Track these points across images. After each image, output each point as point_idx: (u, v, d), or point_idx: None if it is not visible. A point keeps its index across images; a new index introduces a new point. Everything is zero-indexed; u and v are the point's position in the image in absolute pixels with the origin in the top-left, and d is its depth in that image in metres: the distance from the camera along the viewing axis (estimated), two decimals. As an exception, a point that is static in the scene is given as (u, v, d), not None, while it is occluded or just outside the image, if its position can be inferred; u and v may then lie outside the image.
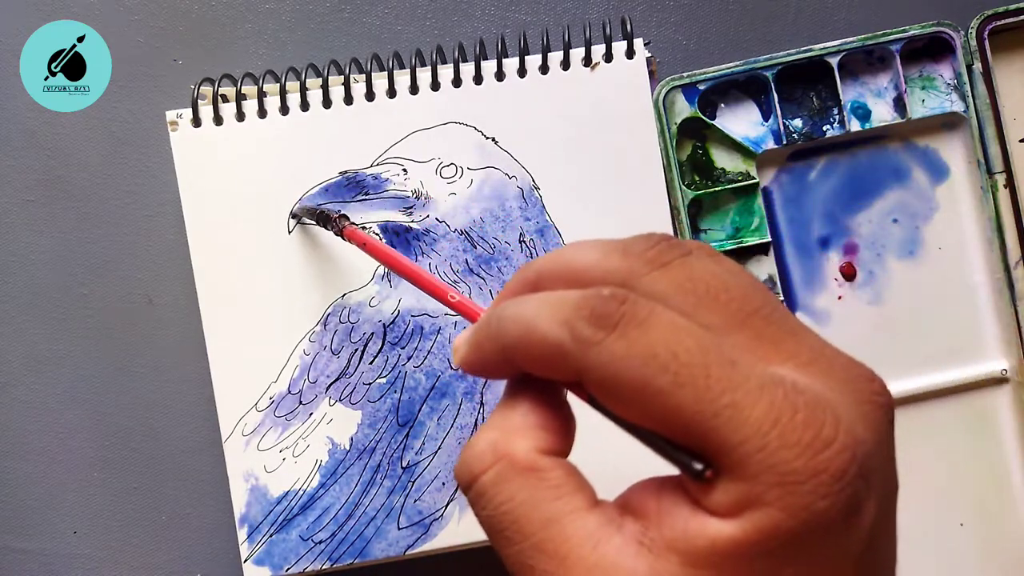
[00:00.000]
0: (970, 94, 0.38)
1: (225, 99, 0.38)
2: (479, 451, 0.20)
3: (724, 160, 0.39)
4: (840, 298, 0.40)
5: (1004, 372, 0.39)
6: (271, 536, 0.37)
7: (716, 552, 0.17)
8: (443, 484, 0.37)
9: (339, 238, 0.34)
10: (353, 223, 0.34)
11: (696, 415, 0.17)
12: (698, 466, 0.18)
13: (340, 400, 0.37)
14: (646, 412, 0.18)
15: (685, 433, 0.18)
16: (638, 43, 0.38)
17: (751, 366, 0.18)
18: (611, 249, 0.20)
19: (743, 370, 0.18)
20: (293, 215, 0.37)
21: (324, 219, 0.34)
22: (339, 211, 0.35)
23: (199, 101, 0.37)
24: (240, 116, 0.37)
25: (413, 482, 0.37)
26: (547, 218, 0.38)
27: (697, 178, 0.39)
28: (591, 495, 0.20)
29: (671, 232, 0.38)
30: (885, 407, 0.19)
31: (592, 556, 0.18)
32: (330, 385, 0.37)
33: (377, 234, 0.38)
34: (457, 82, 0.37)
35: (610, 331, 0.18)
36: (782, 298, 0.39)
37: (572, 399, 0.21)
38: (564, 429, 0.21)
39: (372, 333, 0.37)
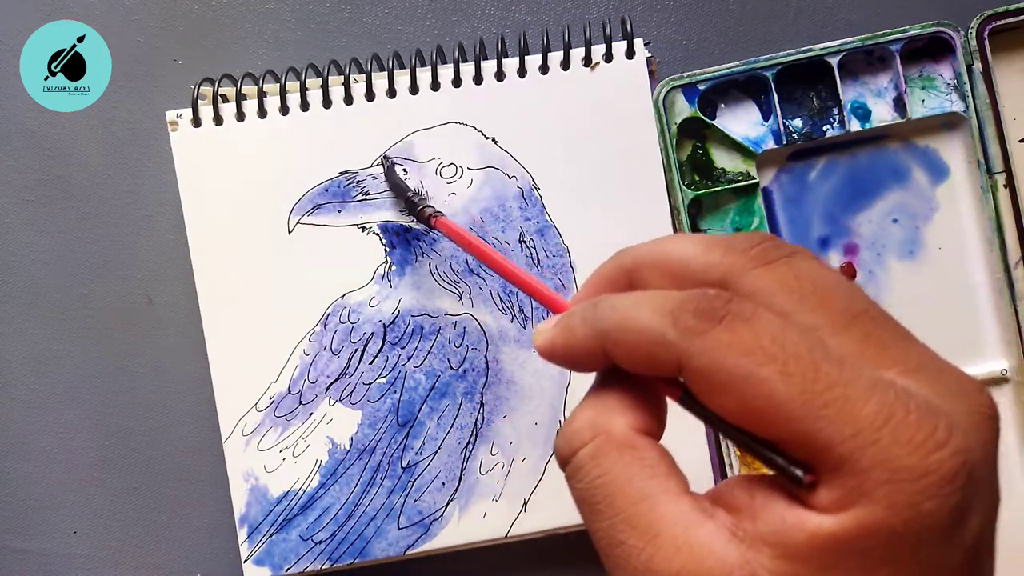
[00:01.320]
0: (970, 94, 0.38)
1: (225, 99, 0.38)
2: (577, 427, 0.20)
3: (724, 160, 0.39)
4: (840, 298, 0.39)
5: (1004, 372, 0.39)
6: (271, 536, 0.37)
7: (813, 546, 0.17)
8: (443, 484, 0.37)
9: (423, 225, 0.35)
10: (441, 213, 0.34)
11: (803, 406, 0.17)
12: (799, 472, 0.17)
13: (340, 400, 0.37)
14: (747, 404, 0.18)
15: (786, 427, 0.17)
16: (638, 43, 0.38)
17: (859, 366, 0.18)
18: (714, 244, 0.20)
19: (852, 368, 0.17)
20: (384, 163, 0.37)
21: (411, 205, 0.35)
22: (430, 204, 0.35)
23: (199, 101, 0.37)
24: (240, 116, 0.37)
25: (413, 482, 0.37)
26: (547, 218, 0.38)
27: (697, 178, 0.39)
28: (684, 481, 0.20)
29: (671, 231, 0.38)
30: (993, 419, 0.18)
31: (683, 536, 0.18)
32: (330, 385, 0.37)
33: (378, 233, 0.38)
34: (457, 82, 0.37)
35: (716, 323, 0.18)
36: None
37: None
38: (657, 411, 0.21)
39: (372, 333, 0.37)
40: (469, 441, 0.37)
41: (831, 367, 0.17)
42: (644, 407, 0.21)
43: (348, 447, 0.37)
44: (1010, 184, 0.38)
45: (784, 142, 0.39)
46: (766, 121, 0.39)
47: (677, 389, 0.20)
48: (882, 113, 0.39)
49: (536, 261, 0.38)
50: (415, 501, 0.37)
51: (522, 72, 0.38)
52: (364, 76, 0.37)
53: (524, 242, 0.38)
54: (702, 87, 0.38)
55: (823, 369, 0.17)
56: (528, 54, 0.38)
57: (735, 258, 0.20)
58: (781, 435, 0.18)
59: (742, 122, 0.39)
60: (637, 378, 0.21)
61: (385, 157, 0.37)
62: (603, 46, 0.37)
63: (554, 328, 0.22)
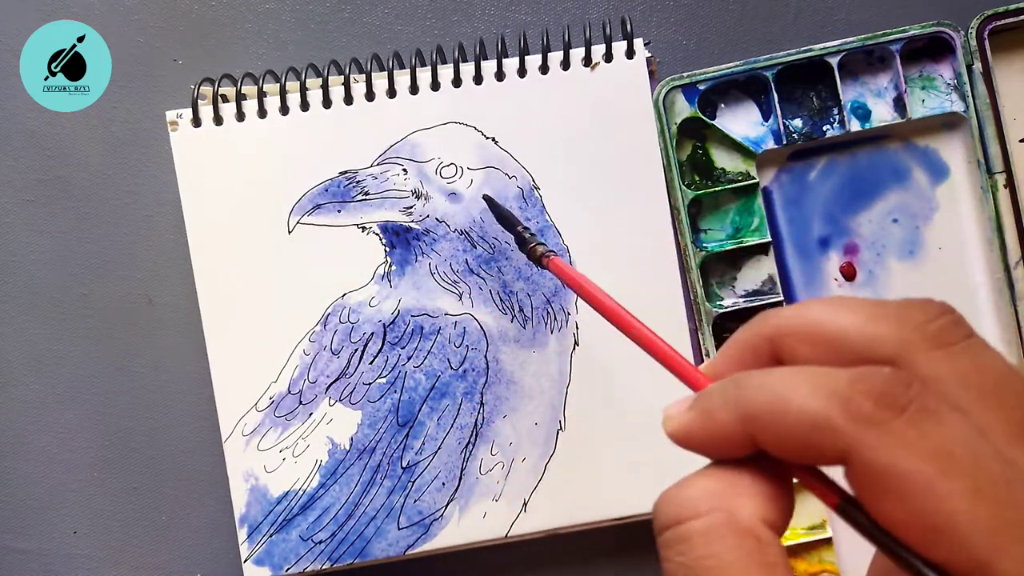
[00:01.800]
0: (970, 94, 0.38)
1: (225, 99, 0.38)
2: (693, 494, 0.18)
3: (724, 160, 0.39)
4: (840, 298, 0.39)
5: (1004, 372, 0.39)
6: (271, 536, 0.37)
7: None
8: (443, 484, 0.37)
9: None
10: (554, 252, 0.32)
11: (990, 535, 0.15)
12: None
13: (340, 400, 0.37)
14: (920, 518, 0.16)
15: (960, 551, 0.15)
16: (638, 43, 0.38)
17: None
18: (880, 314, 0.18)
19: None
20: (492, 204, 0.37)
21: (522, 241, 0.34)
22: (542, 241, 0.34)
23: (199, 101, 0.37)
24: (240, 116, 0.37)
25: (413, 482, 0.37)
26: (547, 218, 0.38)
27: (697, 178, 0.39)
28: None
29: (671, 232, 0.38)
30: None
31: None
32: (330, 385, 0.37)
33: (379, 235, 0.38)
34: (457, 82, 0.37)
35: (897, 414, 0.16)
36: (782, 298, 0.39)
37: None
38: (788, 509, 0.19)
39: (372, 333, 0.37)
40: (469, 441, 0.37)
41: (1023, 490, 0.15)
42: (777, 499, 0.18)
43: (348, 447, 0.37)
44: (1010, 184, 0.38)
45: (784, 142, 0.39)
46: (766, 121, 0.39)
47: (835, 495, 0.18)
48: (882, 113, 0.39)
49: (536, 261, 0.38)
50: (415, 501, 0.37)
51: (522, 72, 0.38)
52: (364, 76, 0.38)
53: (524, 242, 0.38)
54: (702, 87, 0.38)
55: (1018, 494, 0.15)
56: (528, 54, 0.38)
57: (907, 334, 0.17)
58: (950, 558, 0.16)
59: (742, 122, 0.39)
60: (778, 466, 0.19)
61: (484, 196, 0.37)
62: (603, 46, 0.37)
63: (690, 411, 0.19)
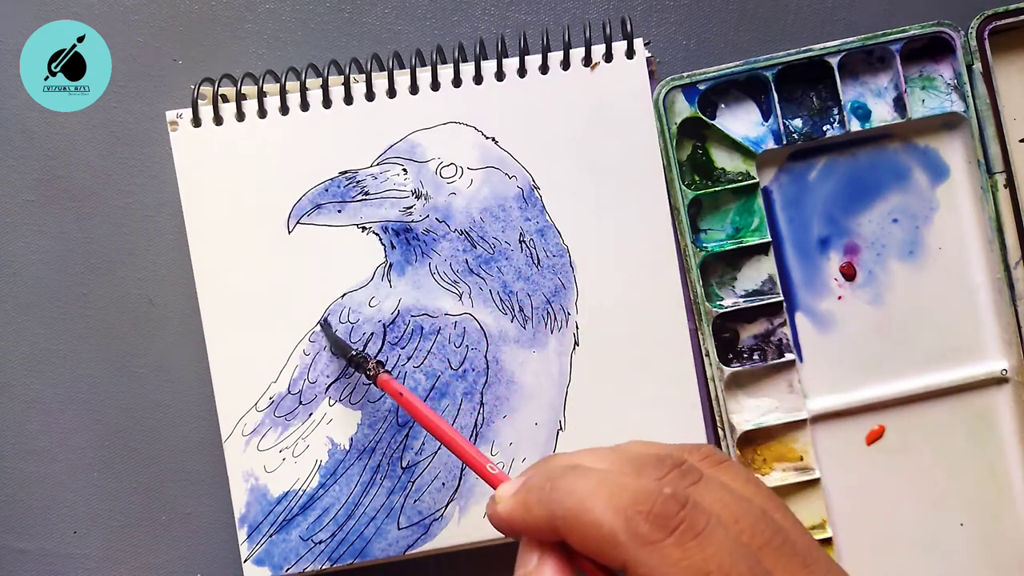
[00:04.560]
0: (970, 94, 0.38)
1: (225, 99, 0.38)
2: None
3: (724, 160, 0.39)
4: (840, 298, 0.40)
5: (1004, 372, 0.39)
6: (271, 536, 0.37)
7: None
8: (443, 484, 0.37)
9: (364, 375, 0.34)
10: (388, 371, 0.34)
11: None
12: None
13: (340, 400, 0.37)
14: None
15: None
16: (638, 43, 0.38)
17: None
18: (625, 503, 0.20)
19: None
20: (323, 325, 0.37)
21: (355, 363, 0.34)
22: (373, 356, 0.35)
23: (199, 101, 0.37)
24: (240, 116, 0.37)
25: (413, 482, 0.37)
26: (547, 218, 0.38)
27: (697, 178, 0.39)
28: None
29: (671, 232, 0.38)
30: None
31: None
32: (330, 385, 0.37)
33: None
34: (457, 82, 0.37)
35: (667, 534, 0.19)
36: (781, 298, 0.39)
37: None
38: None
39: (372, 333, 0.37)
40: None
41: None
42: None
43: (348, 447, 0.37)
44: (1010, 184, 0.38)
45: (784, 142, 0.39)
46: (766, 121, 0.39)
47: None
48: (882, 113, 0.39)
49: (536, 261, 0.38)
50: (415, 501, 0.37)
51: (522, 72, 0.38)
52: (364, 76, 0.38)
53: (524, 242, 0.38)
54: (702, 87, 0.38)
55: None
56: (528, 54, 0.38)
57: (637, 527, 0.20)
58: None
59: (742, 122, 0.39)
60: (569, 567, 0.22)
61: (324, 321, 0.37)
62: (603, 46, 0.37)
63: (511, 501, 0.23)
